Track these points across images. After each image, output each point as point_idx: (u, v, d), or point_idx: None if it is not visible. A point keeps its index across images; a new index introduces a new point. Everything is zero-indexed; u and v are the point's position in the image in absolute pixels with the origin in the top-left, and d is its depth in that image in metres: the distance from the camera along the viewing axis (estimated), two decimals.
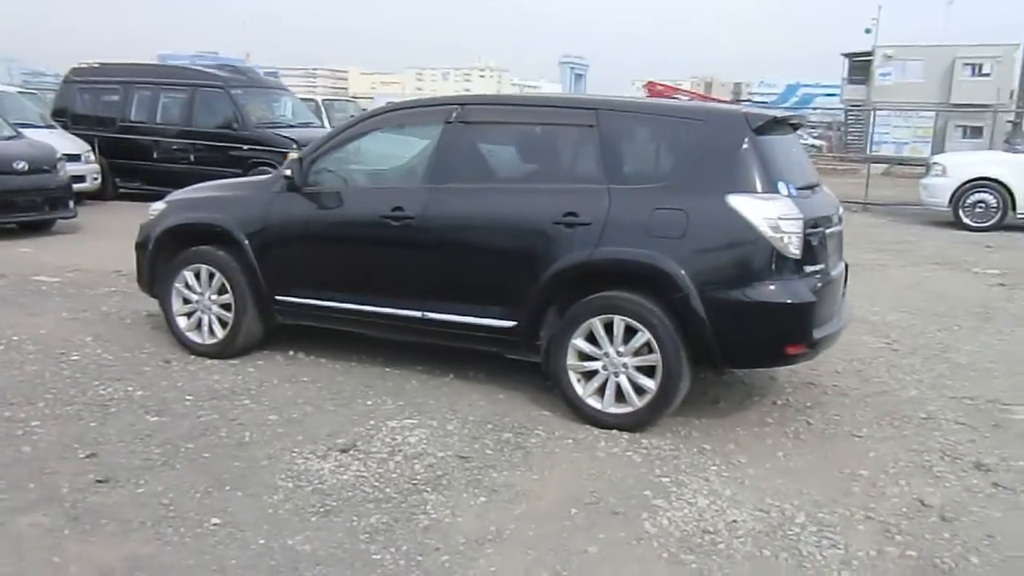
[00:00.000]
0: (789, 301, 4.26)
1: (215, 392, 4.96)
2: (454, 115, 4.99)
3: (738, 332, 4.32)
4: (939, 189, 14.69)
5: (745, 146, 4.37)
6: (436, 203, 4.87)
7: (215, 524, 3.44)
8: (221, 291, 5.53)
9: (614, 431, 4.55)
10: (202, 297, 5.59)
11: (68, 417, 4.53)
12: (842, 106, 43.96)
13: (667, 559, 3.32)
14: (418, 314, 4.97)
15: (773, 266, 4.26)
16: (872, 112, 35.25)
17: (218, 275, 5.48)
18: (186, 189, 6.14)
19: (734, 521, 3.62)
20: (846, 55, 43.44)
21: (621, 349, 4.50)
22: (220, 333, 5.55)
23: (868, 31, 43.11)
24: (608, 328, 4.54)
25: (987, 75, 39.87)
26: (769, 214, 4.25)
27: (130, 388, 4.99)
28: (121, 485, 3.76)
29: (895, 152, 35.76)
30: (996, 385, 5.68)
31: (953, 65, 40.16)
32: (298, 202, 5.27)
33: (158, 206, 5.85)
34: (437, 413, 4.74)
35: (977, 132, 39.98)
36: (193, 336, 5.65)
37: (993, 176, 14.30)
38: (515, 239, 4.73)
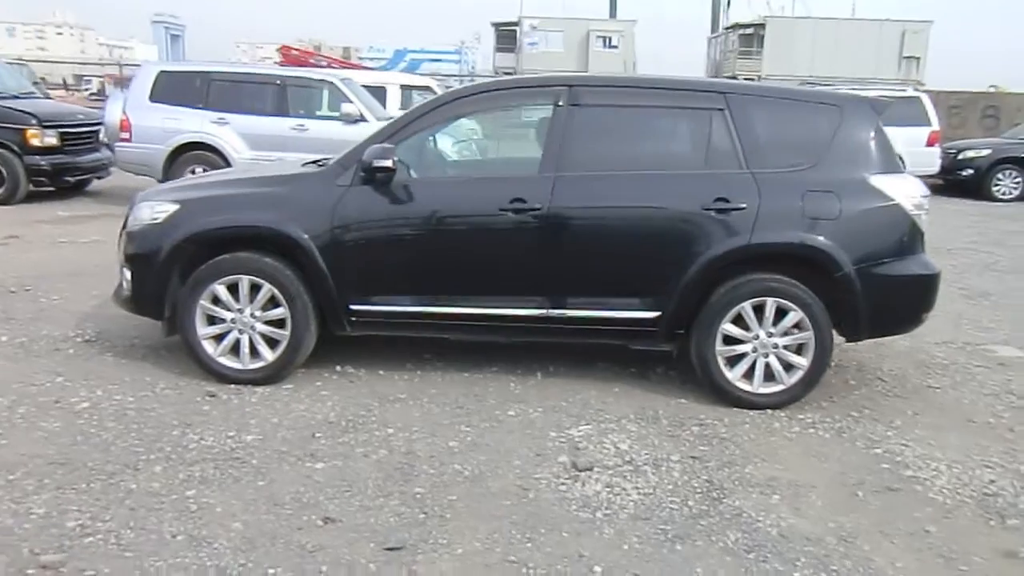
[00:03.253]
0: (930, 272, 4.67)
1: (336, 425, 4.27)
2: (563, 98, 4.68)
3: (889, 303, 4.64)
4: None
5: (876, 129, 4.66)
6: (565, 193, 4.57)
7: (598, 570, 3.05)
8: (266, 305, 4.68)
9: (767, 411, 4.64)
10: (240, 314, 4.69)
11: (220, 480, 3.65)
12: (494, 74, 46.13)
13: (998, 526, 3.55)
14: (541, 312, 4.65)
15: (914, 240, 4.63)
16: None
17: (266, 286, 4.64)
18: (187, 185, 5.09)
19: (992, 481, 3.94)
20: (495, 24, 45.70)
21: (772, 330, 4.60)
22: (269, 355, 4.72)
23: None
24: (756, 310, 4.60)
25: (615, 47, 44.32)
26: (912, 192, 4.60)
27: (231, 434, 4.12)
28: (428, 550, 3.17)
29: None
30: (947, 330, 6.60)
31: (588, 37, 44.05)
32: (381, 196, 4.62)
33: (163, 207, 4.76)
34: (592, 414, 4.53)
35: None
36: (228, 362, 4.74)
37: None
38: (661, 227, 4.60)
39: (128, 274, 4.80)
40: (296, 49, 42.44)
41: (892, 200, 4.57)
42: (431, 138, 4.91)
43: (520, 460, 3.93)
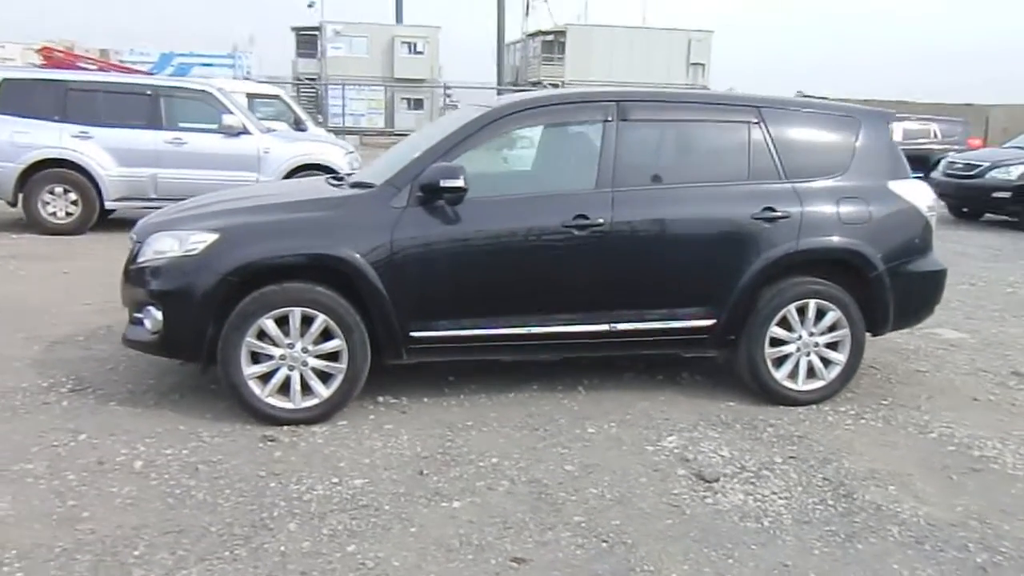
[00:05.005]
0: (942, 268, 5.11)
1: (432, 460, 4.10)
2: (612, 114, 4.72)
3: (912, 298, 5.02)
4: None
5: (890, 138, 5.05)
6: (625, 207, 4.61)
7: None
8: (317, 338, 4.41)
9: (811, 406, 4.91)
10: (291, 349, 4.39)
11: (370, 531, 3.41)
12: (293, 81, 44.94)
13: None
14: (605, 327, 4.67)
15: (928, 239, 5.05)
16: (326, 86, 36.73)
17: (320, 318, 4.36)
18: (214, 212, 4.66)
19: None
20: (295, 29, 44.46)
21: (813, 330, 4.87)
22: (323, 391, 4.44)
23: (311, 5, 44.52)
24: (799, 312, 4.85)
25: (421, 53, 44.42)
26: (927, 195, 5.02)
27: (334, 480, 3.86)
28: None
29: (354, 123, 38.12)
30: None
31: (392, 43, 43.86)
32: (442, 216, 4.46)
33: (199, 237, 4.34)
34: (664, 424, 4.60)
35: (419, 104, 44.48)
36: (277, 402, 4.41)
37: None
38: (717, 237, 4.73)
39: (157, 313, 4.34)
40: (60, 51, 38.87)
41: (910, 203, 4.95)
42: (483, 155, 4.76)
43: (645, 478, 3.93)
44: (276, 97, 15.57)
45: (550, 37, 47.01)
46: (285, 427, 4.37)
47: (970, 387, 5.40)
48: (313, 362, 4.39)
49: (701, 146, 4.92)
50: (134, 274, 4.49)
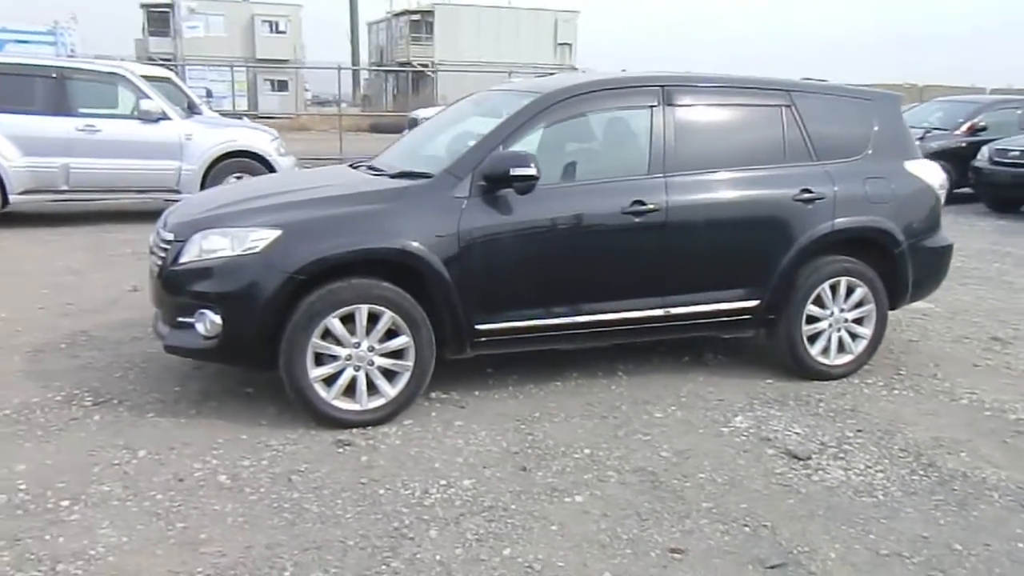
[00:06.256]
0: (950, 243, 5.41)
1: (525, 455, 4.03)
2: (658, 99, 4.75)
3: (926, 272, 5.29)
4: None
5: (901, 119, 5.30)
6: (678, 192, 4.65)
7: (958, 548, 3.30)
8: (384, 336, 4.27)
9: (842, 379, 5.13)
10: (356, 349, 4.22)
11: (516, 533, 3.33)
12: (145, 61, 42.59)
13: None
14: (660, 312, 4.71)
15: (939, 216, 5.34)
16: (183, 66, 35.33)
17: (387, 315, 4.21)
18: (269, 206, 4.36)
19: None
20: (144, 6, 42.09)
21: (844, 306, 5.08)
22: (390, 391, 4.29)
23: None
24: (831, 289, 5.05)
25: (283, 32, 43.00)
26: (938, 174, 5.30)
27: (441, 483, 3.74)
28: (806, 560, 3.19)
29: (217, 106, 36.57)
30: None
31: (252, 21, 42.27)
32: (506, 205, 4.37)
33: (260, 234, 4.08)
34: (721, 405, 4.68)
35: (283, 86, 43.15)
36: (343, 404, 4.24)
37: None
38: (763, 219, 4.83)
39: (215, 317, 4.05)
40: None
41: (924, 182, 5.21)
42: (535, 141, 4.68)
43: (741, 459, 3.99)
44: (166, 80, 14.66)
45: (417, 16, 46.39)
46: (355, 430, 4.17)
47: (964, 354, 5.74)
48: (379, 361, 4.22)
49: (741, 129, 4.99)
50: (178, 275, 4.17)
